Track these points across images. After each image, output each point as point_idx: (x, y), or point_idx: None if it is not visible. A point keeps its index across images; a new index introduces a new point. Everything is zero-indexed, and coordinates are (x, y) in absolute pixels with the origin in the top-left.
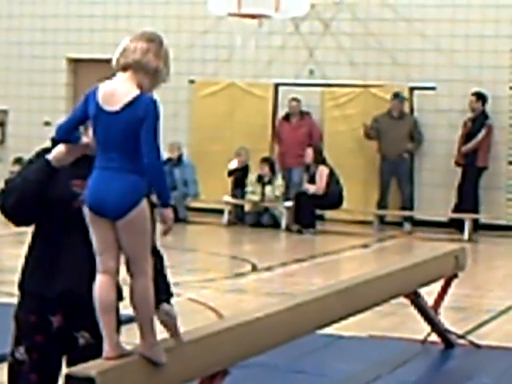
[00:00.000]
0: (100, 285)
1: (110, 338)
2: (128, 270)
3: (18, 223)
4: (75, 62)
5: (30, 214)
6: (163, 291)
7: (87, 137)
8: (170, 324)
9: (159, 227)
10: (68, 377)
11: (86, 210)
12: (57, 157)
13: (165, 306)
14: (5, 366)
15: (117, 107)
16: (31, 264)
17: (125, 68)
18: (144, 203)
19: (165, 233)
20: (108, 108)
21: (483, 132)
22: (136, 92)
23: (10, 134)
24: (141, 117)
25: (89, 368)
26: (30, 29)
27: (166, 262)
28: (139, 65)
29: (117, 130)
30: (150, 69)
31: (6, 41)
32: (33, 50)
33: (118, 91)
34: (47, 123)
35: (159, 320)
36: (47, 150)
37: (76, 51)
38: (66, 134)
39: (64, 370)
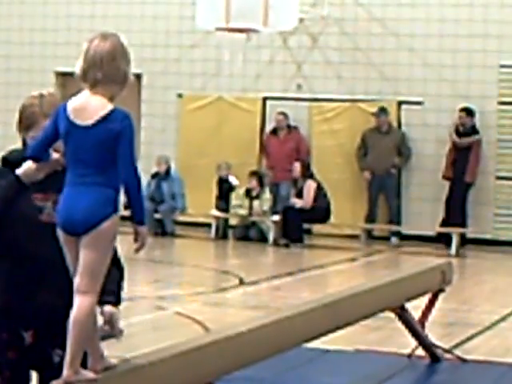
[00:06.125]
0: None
1: (94, 351)
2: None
3: None
4: (63, 76)
5: None
6: (113, 294)
7: (57, 153)
8: (106, 328)
9: (133, 244)
10: None
11: (58, 231)
12: (26, 173)
13: (110, 308)
14: None
15: (90, 122)
16: (1, 280)
17: (94, 84)
18: (116, 218)
19: (137, 250)
20: (80, 123)
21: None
22: (109, 107)
23: None
24: (116, 132)
25: None
26: (18, 42)
27: (126, 275)
28: (108, 78)
29: (90, 144)
30: (118, 78)
31: None
32: (21, 64)
33: (90, 105)
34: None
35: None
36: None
37: (64, 65)
38: (38, 153)
39: None
